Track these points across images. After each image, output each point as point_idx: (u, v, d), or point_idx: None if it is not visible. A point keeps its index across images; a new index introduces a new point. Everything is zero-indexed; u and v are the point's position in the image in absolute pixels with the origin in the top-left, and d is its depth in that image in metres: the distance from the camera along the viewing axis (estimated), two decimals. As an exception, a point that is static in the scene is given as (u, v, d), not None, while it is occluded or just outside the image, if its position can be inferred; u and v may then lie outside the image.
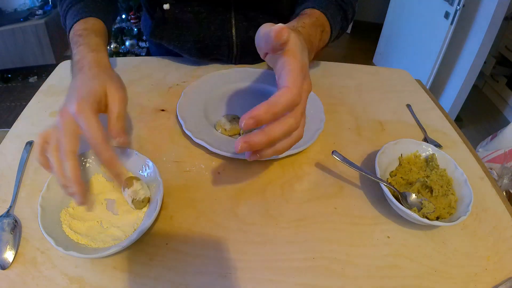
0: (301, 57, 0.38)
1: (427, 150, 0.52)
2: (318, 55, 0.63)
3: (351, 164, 0.47)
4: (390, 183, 0.48)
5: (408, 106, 0.68)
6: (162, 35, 0.70)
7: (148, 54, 0.92)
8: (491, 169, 1.03)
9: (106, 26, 0.58)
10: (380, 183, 0.46)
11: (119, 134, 0.42)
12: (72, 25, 0.55)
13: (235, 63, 0.74)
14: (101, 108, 0.43)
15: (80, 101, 0.39)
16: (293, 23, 0.50)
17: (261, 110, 0.32)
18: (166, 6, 0.65)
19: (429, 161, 0.51)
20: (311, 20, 0.53)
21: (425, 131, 0.62)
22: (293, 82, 0.35)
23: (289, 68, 0.36)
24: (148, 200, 0.44)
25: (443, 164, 0.51)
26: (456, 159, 0.50)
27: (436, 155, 0.51)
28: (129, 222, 0.42)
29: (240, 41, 0.70)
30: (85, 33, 0.52)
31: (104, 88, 0.43)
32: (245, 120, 0.32)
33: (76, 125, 0.38)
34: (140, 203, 0.43)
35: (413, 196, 0.46)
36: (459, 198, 0.46)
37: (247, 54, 0.72)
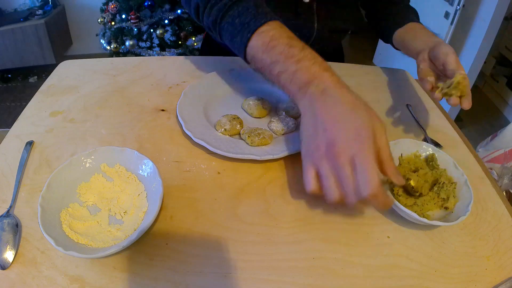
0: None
1: (427, 150, 0.52)
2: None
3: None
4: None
5: (408, 106, 0.68)
6: None
7: (204, 49, 0.92)
8: (491, 169, 1.03)
9: None
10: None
11: (395, 175, 0.41)
12: (259, 27, 0.48)
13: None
14: None
15: (366, 141, 0.38)
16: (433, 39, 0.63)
17: None
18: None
19: (429, 161, 0.51)
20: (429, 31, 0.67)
21: (425, 131, 0.62)
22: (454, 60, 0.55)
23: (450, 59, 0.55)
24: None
25: (443, 164, 0.51)
26: (456, 159, 0.50)
27: (436, 155, 0.51)
28: (129, 222, 0.42)
29: (320, 28, 0.75)
30: (300, 45, 0.47)
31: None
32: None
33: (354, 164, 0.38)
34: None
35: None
36: (459, 199, 0.46)
37: (320, 41, 0.76)
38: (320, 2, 0.74)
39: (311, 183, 0.41)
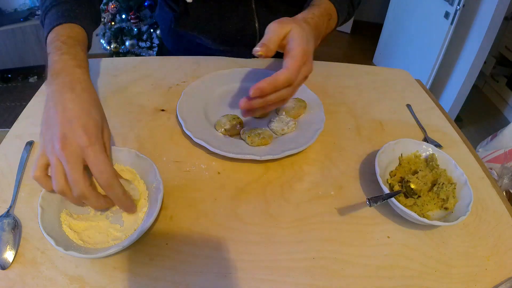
0: (304, 46, 0.47)
1: (427, 150, 0.52)
2: (326, 39, 0.69)
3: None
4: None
5: (408, 106, 0.68)
6: (185, 25, 0.72)
7: (160, 51, 0.92)
8: (491, 169, 1.03)
9: (88, 38, 0.54)
10: (380, 183, 0.46)
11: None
12: (54, 26, 0.51)
13: None
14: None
15: (89, 133, 0.38)
16: (303, 14, 0.57)
17: (265, 83, 0.44)
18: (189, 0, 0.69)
19: (429, 161, 0.51)
20: (320, 10, 0.59)
21: (425, 131, 0.62)
22: (291, 65, 0.45)
23: (291, 54, 0.46)
24: (136, 201, 0.43)
25: (443, 164, 0.51)
26: (456, 159, 0.50)
27: (436, 155, 0.51)
28: (129, 222, 0.42)
29: (263, 28, 0.72)
30: (70, 42, 0.49)
31: (102, 121, 0.42)
32: (253, 90, 0.43)
33: (82, 158, 0.37)
34: None
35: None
36: (459, 199, 0.46)
37: None
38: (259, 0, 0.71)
39: (37, 169, 0.39)
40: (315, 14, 0.57)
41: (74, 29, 0.52)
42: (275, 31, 0.48)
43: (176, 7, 0.72)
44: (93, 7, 0.59)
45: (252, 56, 0.77)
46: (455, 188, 0.47)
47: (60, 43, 0.48)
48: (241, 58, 0.76)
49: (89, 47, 0.55)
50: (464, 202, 0.45)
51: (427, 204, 0.46)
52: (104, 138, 0.41)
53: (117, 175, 0.39)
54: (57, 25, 0.51)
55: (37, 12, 2.24)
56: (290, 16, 0.64)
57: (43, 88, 0.66)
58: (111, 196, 0.39)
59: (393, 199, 0.44)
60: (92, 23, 0.58)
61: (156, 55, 0.97)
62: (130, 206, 0.41)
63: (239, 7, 0.71)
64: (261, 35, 0.70)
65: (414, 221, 0.43)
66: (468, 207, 0.43)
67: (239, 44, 0.75)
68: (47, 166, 0.39)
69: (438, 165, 0.50)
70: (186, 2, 0.68)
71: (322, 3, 0.61)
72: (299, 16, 0.55)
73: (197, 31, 0.73)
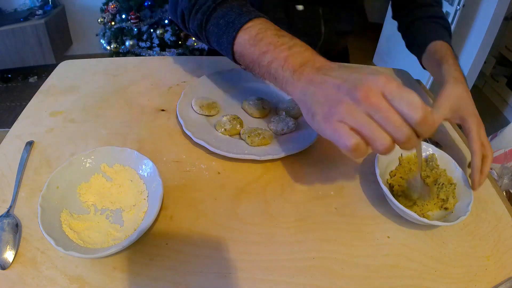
0: (479, 129, 0.51)
1: (427, 150, 0.52)
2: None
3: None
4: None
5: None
6: None
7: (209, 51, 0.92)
8: (491, 169, 1.03)
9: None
10: (380, 183, 0.46)
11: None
12: (243, 24, 0.48)
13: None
14: None
15: (375, 73, 0.34)
16: (450, 74, 0.56)
17: (478, 176, 0.48)
18: (300, 7, 0.72)
19: (429, 161, 0.51)
20: (452, 58, 0.60)
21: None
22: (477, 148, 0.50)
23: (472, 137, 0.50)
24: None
25: (443, 164, 0.50)
26: (456, 159, 0.50)
27: (436, 155, 0.51)
28: (129, 222, 0.42)
29: (327, 32, 0.77)
30: (281, 33, 0.46)
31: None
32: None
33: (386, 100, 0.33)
34: None
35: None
36: (458, 199, 0.46)
37: (329, 45, 0.80)
38: (325, 6, 0.74)
39: (351, 136, 0.34)
40: (452, 63, 0.59)
41: (269, 22, 0.49)
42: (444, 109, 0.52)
43: None
44: None
45: None
46: (455, 189, 0.47)
47: (275, 38, 0.45)
48: None
49: None
50: (464, 202, 0.45)
51: (427, 204, 0.46)
52: None
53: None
54: (246, 22, 0.48)
55: (43, 9, 2.23)
56: (351, 25, 0.77)
57: (43, 88, 0.66)
58: (428, 127, 0.33)
59: (393, 199, 0.44)
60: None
61: (208, 51, 0.97)
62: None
63: (307, 10, 0.74)
64: (325, 38, 0.78)
65: (414, 221, 0.43)
66: (468, 207, 0.43)
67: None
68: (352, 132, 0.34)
69: (438, 165, 0.50)
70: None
71: (446, 48, 0.63)
72: (449, 81, 0.55)
73: None
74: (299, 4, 0.72)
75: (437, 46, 0.65)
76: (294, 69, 0.42)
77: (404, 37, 0.80)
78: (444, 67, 0.58)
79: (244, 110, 0.62)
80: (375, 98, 0.33)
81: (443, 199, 0.46)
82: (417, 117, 0.32)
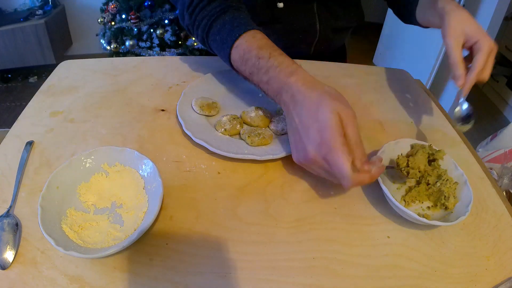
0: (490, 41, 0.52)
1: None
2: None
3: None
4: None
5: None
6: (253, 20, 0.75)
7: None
8: (491, 169, 1.03)
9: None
10: (380, 184, 0.46)
11: (362, 161, 0.43)
12: (234, 42, 0.52)
13: (313, 51, 0.82)
14: None
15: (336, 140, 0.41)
16: (450, 3, 0.57)
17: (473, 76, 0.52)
18: (280, 5, 0.72)
19: (431, 161, 0.51)
20: None
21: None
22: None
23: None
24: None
25: (443, 165, 0.50)
26: (456, 159, 0.50)
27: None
28: (129, 222, 0.42)
29: (323, 29, 0.78)
30: (261, 54, 0.50)
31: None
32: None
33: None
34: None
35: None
36: (459, 199, 0.46)
37: (325, 41, 0.81)
38: (320, 2, 0.74)
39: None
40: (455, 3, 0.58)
41: (255, 36, 0.53)
42: (455, 52, 0.53)
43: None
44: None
45: (305, 55, 0.82)
46: (455, 189, 0.47)
47: (256, 60, 0.50)
48: (297, 55, 0.78)
49: None
50: (464, 202, 0.45)
51: (419, 194, 0.47)
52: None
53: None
54: (236, 39, 0.52)
55: (43, 9, 2.22)
56: (346, 21, 0.75)
57: (43, 88, 0.66)
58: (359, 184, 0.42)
59: (393, 199, 0.44)
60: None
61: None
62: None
63: (302, 8, 0.75)
64: (321, 35, 0.78)
65: (414, 221, 0.43)
66: (468, 207, 0.43)
67: (299, 41, 0.79)
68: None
69: (439, 165, 0.50)
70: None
71: None
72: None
73: (262, 26, 0.76)
74: (279, 1, 0.72)
75: None
76: (274, 95, 0.49)
77: (394, 4, 0.79)
78: (440, 2, 0.58)
79: (246, 123, 0.59)
80: (318, 164, 0.43)
81: (445, 196, 0.46)
82: (347, 187, 0.42)
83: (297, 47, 0.81)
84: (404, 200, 0.47)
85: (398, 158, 0.49)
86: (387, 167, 0.45)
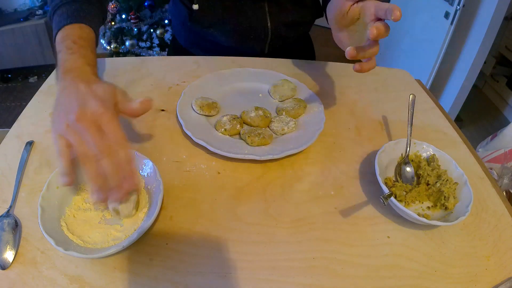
0: None
1: (428, 150, 0.52)
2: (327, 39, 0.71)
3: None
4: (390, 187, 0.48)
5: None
6: (199, 22, 0.75)
7: (173, 47, 0.91)
8: (491, 169, 1.03)
9: (96, 38, 0.56)
10: (380, 183, 0.46)
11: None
12: (64, 25, 0.52)
13: (268, 50, 0.81)
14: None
15: (103, 102, 0.40)
16: None
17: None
18: (195, 7, 0.72)
19: (430, 161, 0.51)
20: None
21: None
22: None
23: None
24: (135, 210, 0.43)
25: (443, 165, 0.50)
26: (456, 159, 0.50)
27: (436, 155, 0.51)
28: (129, 222, 0.42)
29: (274, 26, 0.76)
30: (80, 43, 0.50)
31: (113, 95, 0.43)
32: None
33: (98, 125, 0.38)
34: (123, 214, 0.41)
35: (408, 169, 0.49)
36: (459, 199, 0.46)
37: (279, 38, 0.79)
38: (271, 0, 0.74)
39: (62, 152, 0.39)
40: None
41: (83, 29, 0.53)
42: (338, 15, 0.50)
43: (189, 4, 0.74)
44: (102, 6, 0.60)
45: (260, 53, 0.80)
46: (455, 189, 0.47)
47: (70, 43, 0.49)
48: (250, 53, 0.78)
49: (96, 44, 0.57)
50: (464, 202, 0.45)
51: (418, 194, 0.47)
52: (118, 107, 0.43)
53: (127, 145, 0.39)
54: (67, 24, 0.52)
55: (43, 9, 2.23)
56: (299, 16, 0.71)
57: (43, 88, 0.66)
58: (114, 160, 0.38)
59: (393, 199, 0.44)
60: (99, 21, 0.59)
61: (168, 51, 0.97)
62: (130, 176, 0.39)
63: (251, 7, 0.74)
64: (272, 32, 0.77)
65: (414, 221, 0.43)
66: (467, 208, 0.43)
67: (250, 40, 0.78)
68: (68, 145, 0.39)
69: (439, 165, 0.50)
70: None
71: None
72: None
73: (211, 28, 0.76)
74: (194, 3, 0.73)
75: None
76: (63, 73, 0.46)
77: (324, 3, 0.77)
78: None
79: (246, 123, 0.59)
80: (86, 123, 0.38)
81: (445, 196, 0.46)
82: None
83: (248, 45, 0.80)
84: (404, 201, 0.47)
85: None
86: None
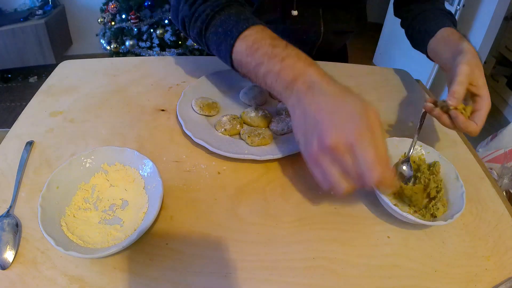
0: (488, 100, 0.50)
1: (433, 156, 0.51)
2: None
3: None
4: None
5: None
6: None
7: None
8: (491, 169, 1.03)
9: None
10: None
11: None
12: (241, 32, 0.49)
13: (315, 53, 0.83)
14: None
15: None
16: (467, 46, 0.55)
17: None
18: (294, 13, 0.72)
19: (431, 166, 0.51)
20: (460, 36, 0.60)
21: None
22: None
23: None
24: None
25: (444, 173, 0.50)
26: (456, 159, 0.50)
27: (440, 163, 0.50)
28: (129, 222, 0.42)
29: (325, 31, 0.78)
30: (276, 43, 0.48)
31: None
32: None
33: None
34: None
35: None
36: (449, 208, 0.45)
37: (327, 43, 0.82)
38: (326, 6, 0.74)
39: (323, 183, 0.40)
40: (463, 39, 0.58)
41: (266, 29, 0.50)
42: (464, 77, 0.49)
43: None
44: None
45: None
46: (446, 203, 0.47)
47: (269, 48, 0.47)
48: None
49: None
50: (451, 211, 0.44)
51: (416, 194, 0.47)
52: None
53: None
54: (244, 30, 0.49)
55: (43, 9, 2.22)
56: (350, 24, 0.78)
57: (43, 88, 0.66)
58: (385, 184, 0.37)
59: (389, 202, 0.43)
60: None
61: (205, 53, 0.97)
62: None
63: (308, 10, 0.74)
64: (324, 37, 0.79)
65: (410, 221, 0.43)
66: (461, 202, 0.44)
67: (303, 44, 0.78)
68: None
69: (438, 172, 0.50)
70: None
71: (453, 32, 0.62)
72: (471, 56, 0.52)
73: (269, 24, 0.76)
74: (293, 9, 0.73)
75: (449, 31, 0.63)
76: (286, 85, 0.44)
77: (409, 27, 0.78)
78: (462, 46, 0.55)
79: (246, 123, 0.59)
80: (340, 150, 0.37)
81: (433, 197, 0.46)
82: (370, 183, 0.36)
83: (299, 48, 0.80)
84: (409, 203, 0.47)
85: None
86: None
